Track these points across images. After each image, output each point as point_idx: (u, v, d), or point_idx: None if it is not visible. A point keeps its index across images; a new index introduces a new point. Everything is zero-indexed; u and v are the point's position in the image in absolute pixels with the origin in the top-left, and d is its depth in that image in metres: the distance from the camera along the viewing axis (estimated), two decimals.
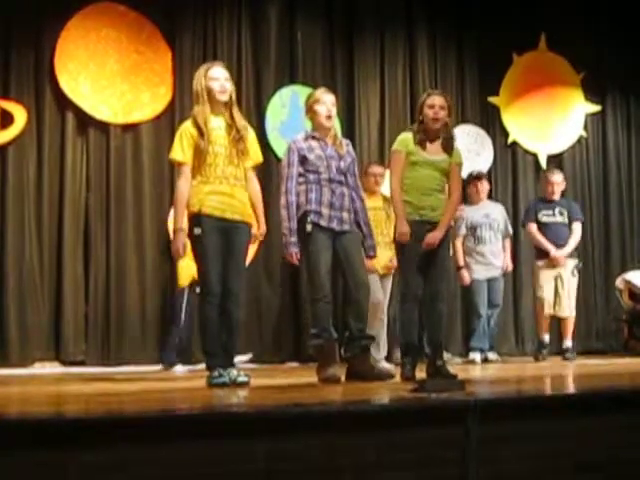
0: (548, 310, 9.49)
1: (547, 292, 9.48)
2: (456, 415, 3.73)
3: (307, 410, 3.70)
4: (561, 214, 9.62)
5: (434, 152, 6.20)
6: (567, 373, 7.14)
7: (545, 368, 8.10)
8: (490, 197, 10.08)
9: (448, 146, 6.24)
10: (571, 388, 5.41)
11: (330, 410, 3.75)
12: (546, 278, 9.49)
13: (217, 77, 5.84)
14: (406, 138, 6.26)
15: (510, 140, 11.26)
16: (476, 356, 9.34)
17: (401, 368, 6.20)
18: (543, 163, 11.32)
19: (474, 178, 9.74)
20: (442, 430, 3.71)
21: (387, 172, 8.76)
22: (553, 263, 9.45)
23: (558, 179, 9.74)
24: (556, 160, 11.42)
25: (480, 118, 11.13)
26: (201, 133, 5.72)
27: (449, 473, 3.69)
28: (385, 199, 8.45)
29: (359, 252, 6.23)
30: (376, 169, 8.29)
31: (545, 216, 9.57)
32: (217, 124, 5.81)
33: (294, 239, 6.05)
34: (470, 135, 10.90)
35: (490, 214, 9.63)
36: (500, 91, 11.23)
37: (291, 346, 9.62)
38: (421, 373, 6.08)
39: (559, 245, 9.49)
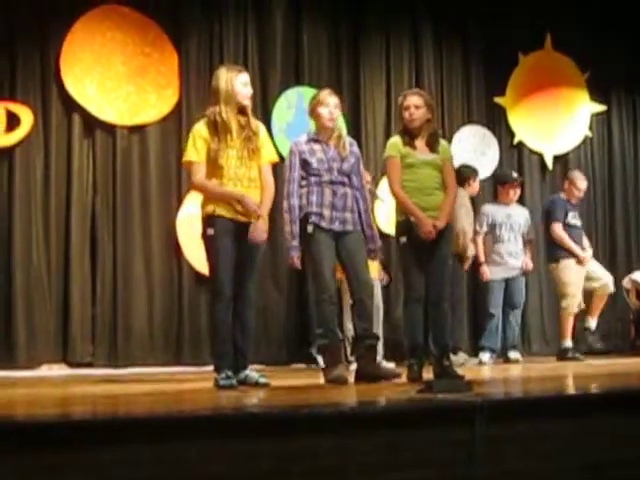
0: (577, 309, 9.59)
1: (578, 292, 9.57)
2: (463, 416, 3.74)
3: (314, 411, 3.70)
4: (580, 217, 9.77)
5: (425, 151, 6.22)
6: (573, 373, 7.13)
7: (551, 369, 8.09)
8: (521, 203, 10.29)
9: (433, 142, 6.26)
10: (578, 388, 5.40)
11: (337, 411, 3.76)
12: (578, 276, 9.57)
13: (246, 82, 5.91)
14: (396, 142, 6.29)
15: (516, 140, 11.25)
16: (485, 356, 9.37)
17: (408, 369, 6.20)
18: (549, 163, 11.32)
19: (513, 181, 9.87)
20: (449, 431, 3.71)
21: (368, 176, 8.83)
22: (582, 264, 9.55)
23: (585, 187, 9.95)
24: (562, 160, 11.44)
25: (486, 118, 11.13)
26: (216, 132, 5.76)
27: (456, 473, 3.69)
28: None
29: (361, 252, 6.24)
30: None
31: (572, 218, 9.68)
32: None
33: (295, 243, 6.06)
34: (476, 135, 10.91)
35: (512, 215, 9.75)
36: (506, 91, 11.23)
37: (297, 347, 9.61)
38: (428, 374, 6.09)
39: (582, 248, 9.69)
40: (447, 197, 6.23)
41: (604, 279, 9.77)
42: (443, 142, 6.44)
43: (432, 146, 6.24)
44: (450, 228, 6.34)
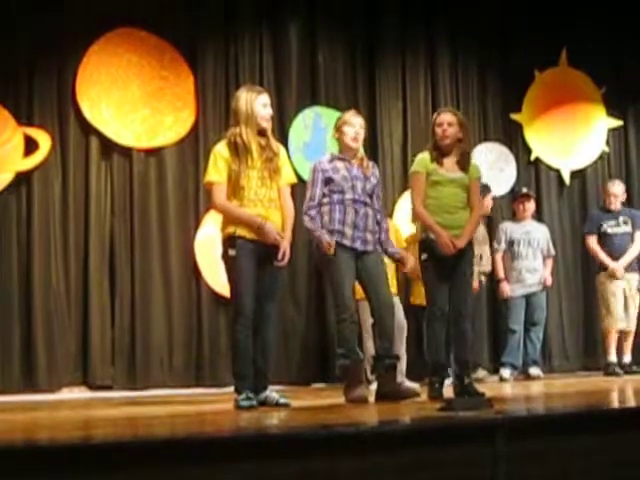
0: (620, 325, 9.56)
1: (619, 307, 9.54)
2: (484, 433, 3.73)
3: (335, 431, 3.70)
4: (625, 223, 9.76)
5: (453, 169, 6.24)
6: (594, 389, 7.09)
7: (572, 385, 8.05)
8: (539, 219, 10.40)
9: (464, 162, 6.29)
10: (600, 404, 5.37)
11: (358, 430, 3.75)
12: (615, 291, 9.55)
13: (266, 103, 5.93)
14: (424, 158, 6.32)
15: (533, 157, 11.22)
16: (506, 372, 9.34)
17: (429, 387, 6.20)
18: (566, 179, 11.29)
19: (522, 196, 9.96)
20: (471, 448, 3.70)
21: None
22: (614, 275, 9.52)
23: (618, 191, 9.96)
24: (579, 176, 11.40)
25: (503, 135, 11.10)
26: (237, 154, 5.78)
27: None
28: None
29: (382, 271, 6.26)
30: None
31: (609, 227, 9.72)
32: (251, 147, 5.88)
33: (324, 231, 6.07)
34: (493, 152, 10.87)
35: (531, 232, 9.78)
36: (522, 108, 11.22)
37: (317, 367, 9.60)
38: (449, 392, 6.07)
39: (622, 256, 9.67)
40: (471, 217, 6.25)
41: (633, 318, 9.76)
42: (474, 163, 6.47)
43: (463, 166, 6.27)
44: (471, 247, 6.35)
